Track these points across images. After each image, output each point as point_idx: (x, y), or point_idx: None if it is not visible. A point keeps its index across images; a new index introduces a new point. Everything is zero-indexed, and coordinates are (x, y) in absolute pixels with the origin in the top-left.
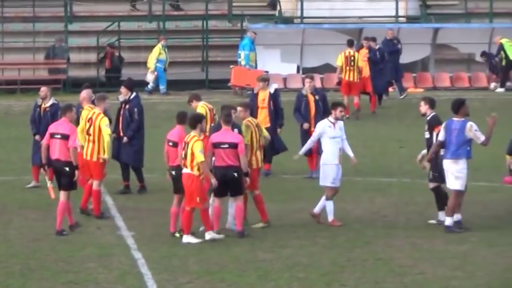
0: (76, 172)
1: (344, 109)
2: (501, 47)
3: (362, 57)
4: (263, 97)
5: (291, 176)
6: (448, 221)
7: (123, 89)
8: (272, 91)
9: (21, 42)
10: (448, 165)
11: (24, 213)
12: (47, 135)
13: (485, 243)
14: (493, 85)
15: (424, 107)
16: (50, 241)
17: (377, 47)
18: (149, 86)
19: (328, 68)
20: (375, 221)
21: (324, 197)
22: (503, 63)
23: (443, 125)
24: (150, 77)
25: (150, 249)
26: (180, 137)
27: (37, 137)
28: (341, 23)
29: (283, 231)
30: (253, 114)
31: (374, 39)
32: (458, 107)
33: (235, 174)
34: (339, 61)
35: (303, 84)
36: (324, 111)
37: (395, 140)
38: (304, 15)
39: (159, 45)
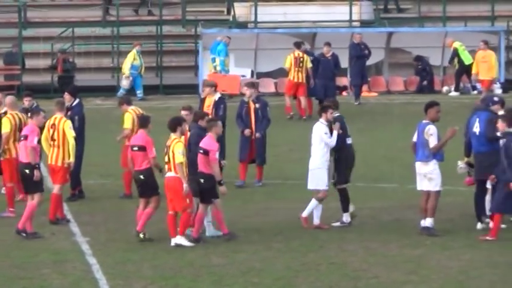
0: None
1: (334, 111)
2: (456, 52)
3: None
4: (208, 103)
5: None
6: (428, 222)
7: (66, 95)
8: (216, 98)
9: None
10: (418, 167)
11: None
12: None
13: (439, 247)
14: (445, 89)
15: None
16: (4, 247)
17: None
18: (121, 91)
19: (282, 73)
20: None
21: (314, 201)
22: (457, 67)
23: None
24: (125, 83)
25: (105, 255)
26: (146, 140)
27: None
28: (295, 27)
29: (238, 236)
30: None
31: (329, 44)
32: (425, 109)
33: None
34: (287, 63)
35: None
36: (263, 119)
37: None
38: (258, 20)
39: (134, 51)
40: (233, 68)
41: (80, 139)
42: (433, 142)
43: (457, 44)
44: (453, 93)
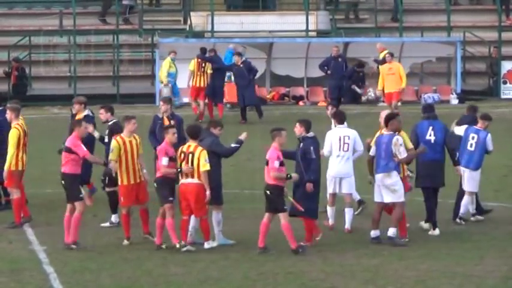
0: None
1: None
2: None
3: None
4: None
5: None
6: (392, 231)
7: None
8: (82, 116)
9: None
10: (380, 179)
11: None
12: None
13: (396, 257)
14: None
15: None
16: None
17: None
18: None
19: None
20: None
21: (349, 209)
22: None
23: (374, 139)
24: (166, 91)
25: (62, 264)
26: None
27: None
28: (251, 37)
29: (196, 246)
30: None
31: (239, 54)
32: (387, 121)
33: None
34: (191, 66)
35: None
36: (179, 136)
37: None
38: (215, 29)
39: (169, 59)
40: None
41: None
42: (403, 152)
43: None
44: (382, 103)
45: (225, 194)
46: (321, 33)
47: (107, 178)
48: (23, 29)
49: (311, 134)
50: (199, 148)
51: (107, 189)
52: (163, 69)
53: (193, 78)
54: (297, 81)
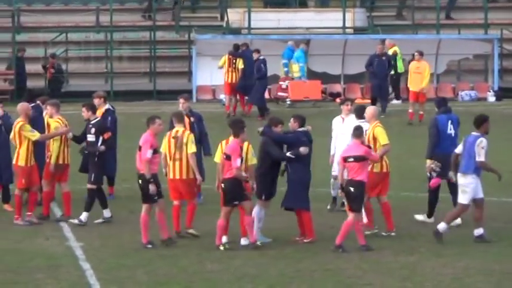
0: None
1: (351, 103)
2: (395, 57)
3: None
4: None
5: None
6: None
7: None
8: (104, 110)
9: None
10: (458, 178)
11: None
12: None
13: (433, 254)
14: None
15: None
16: None
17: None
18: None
19: (276, 79)
20: (323, 232)
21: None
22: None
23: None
24: None
25: (99, 260)
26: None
27: None
28: (288, 34)
29: (233, 243)
30: None
31: (258, 51)
32: (480, 123)
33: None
34: (221, 62)
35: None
36: (200, 133)
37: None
38: (252, 26)
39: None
40: None
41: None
42: (482, 156)
43: (397, 50)
44: (395, 101)
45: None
46: (358, 30)
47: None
48: (60, 25)
49: (303, 129)
50: (246, 142)
51: (90, 186)
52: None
53: (225, 74)
54: (334, 78)
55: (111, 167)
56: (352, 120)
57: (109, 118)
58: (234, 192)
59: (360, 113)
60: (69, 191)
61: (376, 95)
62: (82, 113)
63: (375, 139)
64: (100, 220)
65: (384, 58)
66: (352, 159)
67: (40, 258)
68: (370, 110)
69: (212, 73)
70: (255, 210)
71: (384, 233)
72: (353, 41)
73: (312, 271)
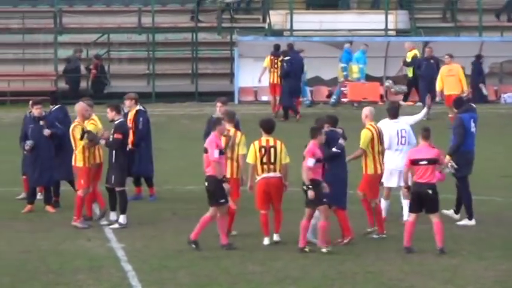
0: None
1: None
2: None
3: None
4: (130, 117)
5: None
6: None
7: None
8: (135, 111)
9: (10, 53)
10: None
11: (14, 225)
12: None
13: (475, 257)
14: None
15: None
16: (40, 253)
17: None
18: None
19: (318, 81)
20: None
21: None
22: (410, 75)
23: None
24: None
25: (141, 261)
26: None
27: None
28: (330, 35)
29: (274, 244)
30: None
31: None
32: None
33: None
34: (265, 63)
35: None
36: None
37: None
38: (294, 28)
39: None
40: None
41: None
42: None
43: (417, 53)
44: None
45: (295, 193)
46: (400, 32)
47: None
48: (102, 26)
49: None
50: (279, 142)
51: (118, 188)
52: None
53: (269, 75)
54: (375, 80)
55: (148, 168)
56: (386, 123)
57: (141, 119)
58: (318, 194)
59: (393, 112)
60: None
61: (423, 99)
62: (107, 114)
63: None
64: (105, 222)
65: (432, 61)
66: (425, 162)
67: (82, 260)
68: (364, 111)
69: (254, 75)
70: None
71: (375, 236)
72: (395, 43)
73: (354, 273)
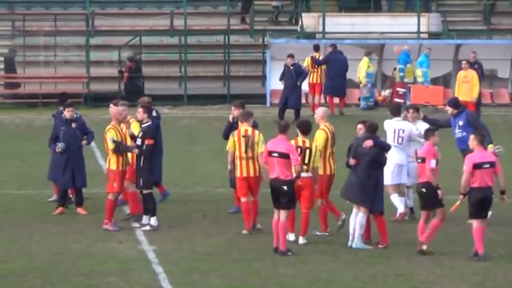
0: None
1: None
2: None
3: None
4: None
5: None
6: None
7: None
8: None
9: (42, 56)
10: None
11: (45, 227)
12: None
13: (506, 260)
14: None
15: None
16: (71, 255)
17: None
18: (363, 102)
19: (350, 84)
20: (397, 236)
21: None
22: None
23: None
24: (365, 91)
25: (171, 264)
26: (429, 152)
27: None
28: (363, 38)
29: (305, 246)
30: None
31: (292, 56)
32: None
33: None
34: (305, 63)
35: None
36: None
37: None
38: (326, 30)
39: (366, 59)
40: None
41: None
42: None
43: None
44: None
45: (335, 195)
46: (432, 35)
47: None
48: (134, 28)
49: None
50: (315, 144)
51: (145, 191)
52: (361, 69)
53: (310, 75)
54: (408, 82)
55: (157, 172)
56: (389, 121)
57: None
58: (431, 198)
59: (395, 110)
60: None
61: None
62: (137, 113)
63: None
64: (137, 225)
65: (476, 66)
66: (488, 166)
67: (112, 262)
68: (319, 112)
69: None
70: (360, 217)
71: (318, 233)
72: (427, 46)
73: (385, 276)
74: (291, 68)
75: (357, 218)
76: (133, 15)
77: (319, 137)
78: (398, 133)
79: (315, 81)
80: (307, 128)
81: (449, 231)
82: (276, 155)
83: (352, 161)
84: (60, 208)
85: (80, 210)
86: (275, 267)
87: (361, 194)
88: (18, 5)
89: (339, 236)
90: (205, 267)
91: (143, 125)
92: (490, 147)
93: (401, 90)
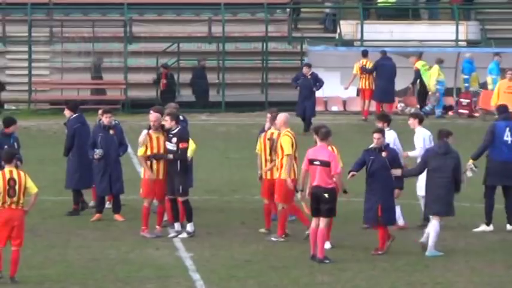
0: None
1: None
2: (418, 73)
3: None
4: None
5: (352, 199)
6: None
7: (66, 111)
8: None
9: (80, 62)
10: None
11: (82, 234)
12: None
13: None
14: (401, 108)
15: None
16: (108, 261)
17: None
18: (427, 108)
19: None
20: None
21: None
22: (418, 87)
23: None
24: (433, 99)
25: (209, 271)
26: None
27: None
28: (401, 46)
29: (343, 254)
30: None
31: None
32: None
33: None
34: (354, 70)
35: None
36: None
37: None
38: (365, 38)
39: (437, 66)
40: (339, 86)
41: (74, 153)
42: None
43: (419, 64)
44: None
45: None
46: (470, 43)
47: None
48: (172, 35)
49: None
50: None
51: (182, 198)
52: (432, 77)
53: (359, 81)
54: (446, 91)
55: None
56: (420, 129)
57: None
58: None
59: (422, 118)
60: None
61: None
62: (164, 121)
63: (282, 148)
64: (173, 234)
65: None
66: None
67: (150, 269)
68: (280, 117)
69: (324, 85)
70: (434, 225)
71: (273, 238)
72: (498, 53)
73: (423, 284)
74: (309, 77)
75: (431, 227)
76: (171, 22)
77: (286, 142)
78: (430, 138)
79: (365, 86)
80: (325, 135)
81: (488, 239)
82: (317, 163)
83: (396, 172)
84: (98, 214)
85: (117, 216)
86: (313, 274)
87: (449, 205)
88: (56, 11)
89: (376, 244)
90: (243, 275)
91: (173, 130)
92: (470, 162)
93: (464, 100)
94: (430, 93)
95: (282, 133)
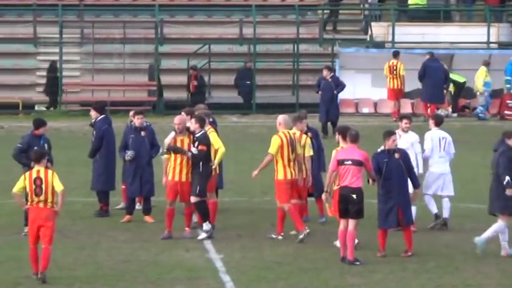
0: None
1: (409, 121)
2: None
3: None
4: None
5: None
6: None
7: (92, 112)
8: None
9: (111, 63)
10: None
11: (113, 235)
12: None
13: None
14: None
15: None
16: (139, 263)
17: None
18: (478, 111)
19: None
20: (465, 247)
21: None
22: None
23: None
24: (481, 99)
25: (239, 273)
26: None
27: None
28: (432, 48)
29: (373, 256)
30: None
31: (329, 68)
32: None
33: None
34: (385, 71)
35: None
36: (318, 148)
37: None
38: (396, 40)
39: (484, 68)
40: (370, 88)
41: (101, 154)
42: None
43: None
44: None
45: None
46: (502, 45)
47: None
48: (203, 37)
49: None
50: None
51: (194, 199)
52: (479, 78)
53: (389, 81)
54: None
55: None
56: (409, 137)
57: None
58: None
59: (437, 120)
60: (216, 201)
61: None
62: (190, 124)
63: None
64: (203, 235)
65: None
66: None
67: (180, 270)
68: (279, 119)
69: (355, 87)
70: (499, 224)
71: (273, 236)
72: (497, 56)
73: (454, 286)
74: (329, 79)
75: (497, 227)
76: (202, 23)
77: (273, 141)
78: (443, 141)
79: (395, 87)
80: (355, 138)
81: None
82: (349, 162)
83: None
84: (128, 216)
85: (147, 218)
86: (343, 276)
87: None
88: (87, 13)
89: (406, 246)
90: (273, 276)
91: (198, 134)
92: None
93: (511, 102)
94: (478, 94)
95: (277, 134)
